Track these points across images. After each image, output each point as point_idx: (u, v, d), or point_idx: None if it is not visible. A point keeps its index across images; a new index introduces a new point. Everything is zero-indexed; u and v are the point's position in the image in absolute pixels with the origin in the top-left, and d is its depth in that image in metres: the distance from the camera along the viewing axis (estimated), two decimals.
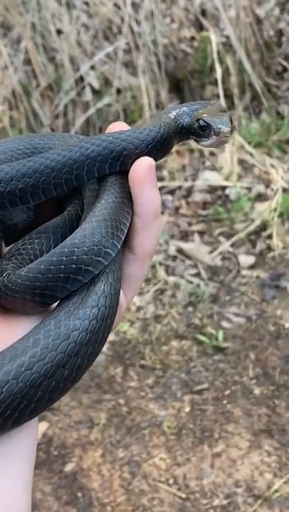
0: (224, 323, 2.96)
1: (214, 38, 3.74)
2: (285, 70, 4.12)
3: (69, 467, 2.44)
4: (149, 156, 0.75)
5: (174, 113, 0.84)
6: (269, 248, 3.30)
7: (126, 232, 0.72)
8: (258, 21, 4.06)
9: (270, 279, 3.14)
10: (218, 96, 3.76)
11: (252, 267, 3.24)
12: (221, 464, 2.39)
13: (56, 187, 0.76)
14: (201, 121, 0.79)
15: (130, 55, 3.97)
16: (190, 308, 3.05)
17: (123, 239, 0.71)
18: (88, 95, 3.82)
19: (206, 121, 0.78)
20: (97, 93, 3.91)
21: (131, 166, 0.74)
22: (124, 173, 0.76)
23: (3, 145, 0.88)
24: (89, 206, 0.75)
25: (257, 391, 2.64)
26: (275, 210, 3.38)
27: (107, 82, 3.98)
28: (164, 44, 4.00)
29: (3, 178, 0.75)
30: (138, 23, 3.93)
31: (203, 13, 4.16)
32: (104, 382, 2.73)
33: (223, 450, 2.43)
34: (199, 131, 0.79)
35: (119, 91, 3.97)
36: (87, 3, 4.17)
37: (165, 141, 0.79)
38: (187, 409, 2.60)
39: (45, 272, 0.66)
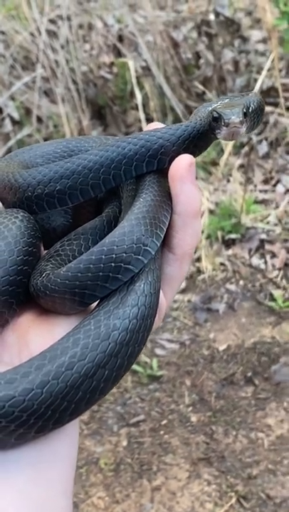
0: (158, 351, 2.92)
1: (132, 64, 3.74)
2: (205, 91, 4.16)
3: None
4: (187, 152, 0.73)
5: (214, 106, 0.81)
6: (199, 271, 3.30)
7: (165, 230, 0.70)
8: (175, 45, 4.09)
9: (201, 302, 3.13)
10: (139, 121, 3.76)
11: (183, 291, 3.22)
12: (161, 497, 2.33)
13: (94, 188, 0.74)
14: (214, 112, 0.76)
15: (50, 83, 3.93)
16: None
17: (162, 237, 0.69)
18: (8, 126, 3.75)
19: (218, 113, 0.75)
20: (17, 123, 3.85)
21: (168, 164, 0.73)
22: (162, 172, 0.75)
23: (40, 149, 0.87)
24: (127, 206, 0.73)
25: (194, 418, 2.61)
26: (202, 232, 3.38)
27: (27, 111, 3.93)
28: (83, 71, 3.98)
29: (41, 180, 0.74)
30: (55, 51, 3.90)
31: (121, 38, 4.17)
32: None
33: (162, 483, 2.38)
34: (214, 123, 0.76)
35: (40, 120, 3.93)
36: (3, 33, 4.12)
37: (202, 136, 0.77)
38: (124, 443, 2.54)
39: (85, 271, 0.65)
